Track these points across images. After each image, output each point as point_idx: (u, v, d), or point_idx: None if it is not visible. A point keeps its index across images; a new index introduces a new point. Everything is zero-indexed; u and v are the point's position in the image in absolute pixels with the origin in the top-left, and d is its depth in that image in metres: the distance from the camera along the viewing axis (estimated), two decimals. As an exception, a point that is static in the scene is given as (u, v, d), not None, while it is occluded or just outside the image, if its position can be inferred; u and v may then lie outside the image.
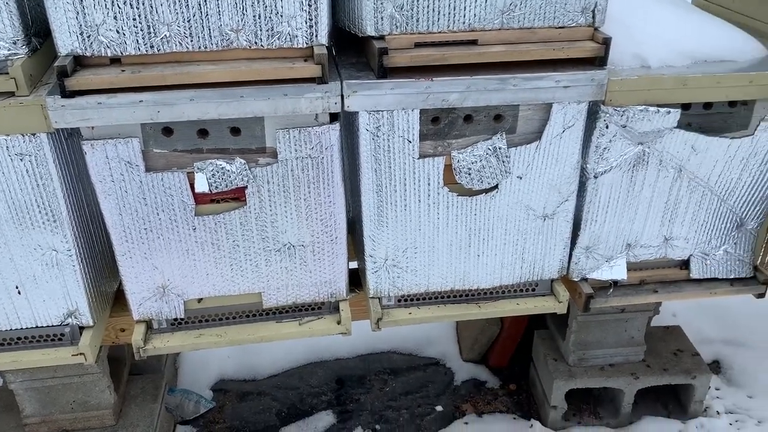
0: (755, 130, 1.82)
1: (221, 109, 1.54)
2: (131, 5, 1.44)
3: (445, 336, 3.02)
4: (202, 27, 1.49)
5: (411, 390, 2.77)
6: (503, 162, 1.74)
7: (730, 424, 2.55)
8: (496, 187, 1.78)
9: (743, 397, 2.69)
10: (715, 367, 2.87)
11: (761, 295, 2.10)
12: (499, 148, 1.72)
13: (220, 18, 1.49)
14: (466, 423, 2.59)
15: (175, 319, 1.86)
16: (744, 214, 1.96)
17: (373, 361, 2.91)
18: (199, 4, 1.46)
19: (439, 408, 2.69)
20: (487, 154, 1.73)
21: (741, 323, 2.98)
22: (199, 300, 1.83)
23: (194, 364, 2.78)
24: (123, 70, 1.50)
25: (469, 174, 1.75)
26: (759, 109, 1.81)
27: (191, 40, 1.50)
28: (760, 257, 2.12)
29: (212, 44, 1.52)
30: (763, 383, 2.72)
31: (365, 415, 2.65)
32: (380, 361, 2.91)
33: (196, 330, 1.87)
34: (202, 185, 1.62)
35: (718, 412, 2.59)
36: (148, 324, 1.85)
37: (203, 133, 1.60)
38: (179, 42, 1.50)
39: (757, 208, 1.95)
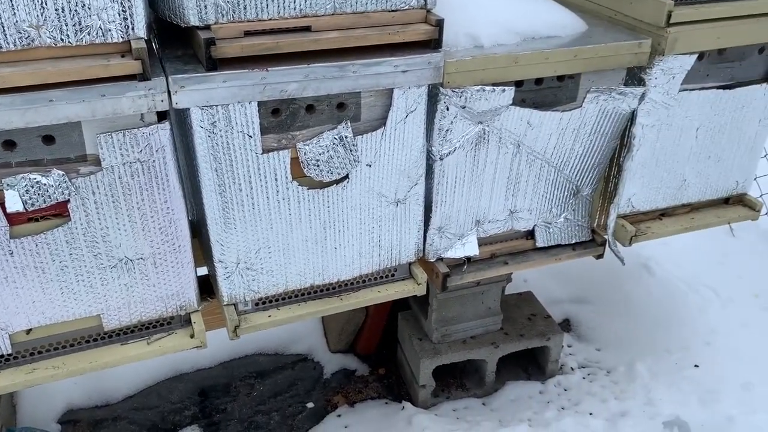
0: (582, 101, 1.91)
1: (28, 117, 1.35)
2: None
3: (311, 330, 2.96)
4: (-6, 24, 1.30)
5: (280, 390, 2.69)
6: (351, 151, 1.70)
7: (584, 378, 2.73)
8: (346, 176, 1.74)
9: (593, 350, 2.89)
10: (566, 325, 3.06)
11: (600, 256, 2.25)
12: (346, 137, 1.68)
13: (14, 13, 1.30)
14: (339, 415, 2.57)
15: (1, 356, 1.64)
16: (579, 182, 2.07)
17: (238, 366, 2.79)
18: (-14, -2, 1.27)
19: (310, 405, 2.64)
20: (333, 144, 1.68)
21: (584, 282, 3.20)
22: (28, 331, 1.63)
23: (35, 397, 2.51)
24: None
25: (318, 166, 1.69)
26: (584, 82, 1.91)
27: (-19, 40, 1.30)
28: (596, 221, 2.26)
29: (9, 43, 1.32)
30: (608, 336, 2.94)
31: (233, 424, 2.53)
32: (245, 366, 2.80)
33: (28, 365, 1.66)
34: (14, 204, 1.42)
35: (572, 368, 2.77)
36: (-32, 366, 1.62)
37: (10, 144, 1.40)
38: (-34, 42, 1.29)
39: (590, 175, 2.07)
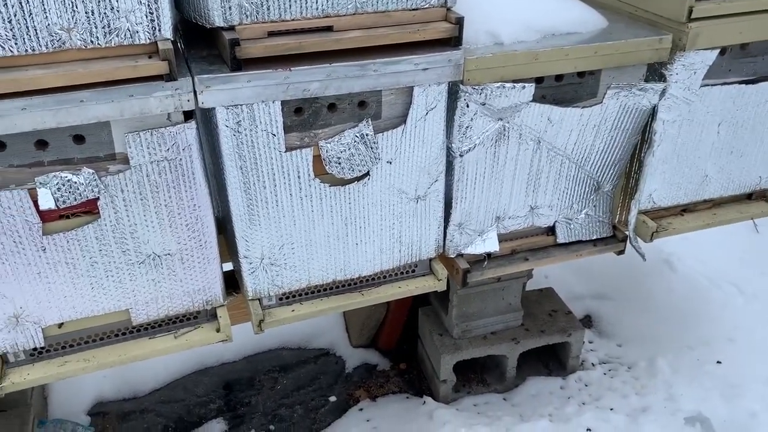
0: (603, 97, 1.92)
1: (60, 117, 1.39)
2: (-65, 6, 1.27)
3: (334, 324, 2.99)
4: (27, 27, 1.33)
5: (303, 384, 2.73)
6: (372, 148, 1.72)
7: (605, 374, 2.72)
8: (367, 174, 1.76)
9: (613, 346, 2.88)
10: (587, 321, 3.06)
11: (621, 252, 2.24)
12: (367, 135, 1.70)
13: (46, 17, 1.34)
14: (361, 409, 2.60)
15: (34, 349, 1.69)
16: (600, 178, 2.08)
17: (261, 360, 2.84)
18: (20, 3, 1.31)
19: (332, 398, 2.67)
20: (355, 141, 1.70)
21: (606, 278, 3.19)
22: (60, 325, 1.68)
23: (66, 389, 2.58)
24: (-65, 81, 1.32)
25: (339, 163, 1.71)
26: (605, 78, 1.91)
27: (15, 43, 1.34)
28: (618, 216, 2.26)
29: (41, 46, 1.37)
30: (629, 331, 2.93)
31: (258, 417, 2.58)
32: (269, 360, 2.84)
33: (60, 358, 1.71)
34: (47, 201, 1.47)
35: (593, 364, 2.77)
36: (3, 358, 1.67)
37: (42, 144, 1.45)
38: (1, 45, 1.33)
39: (611, 171, 2.07)
